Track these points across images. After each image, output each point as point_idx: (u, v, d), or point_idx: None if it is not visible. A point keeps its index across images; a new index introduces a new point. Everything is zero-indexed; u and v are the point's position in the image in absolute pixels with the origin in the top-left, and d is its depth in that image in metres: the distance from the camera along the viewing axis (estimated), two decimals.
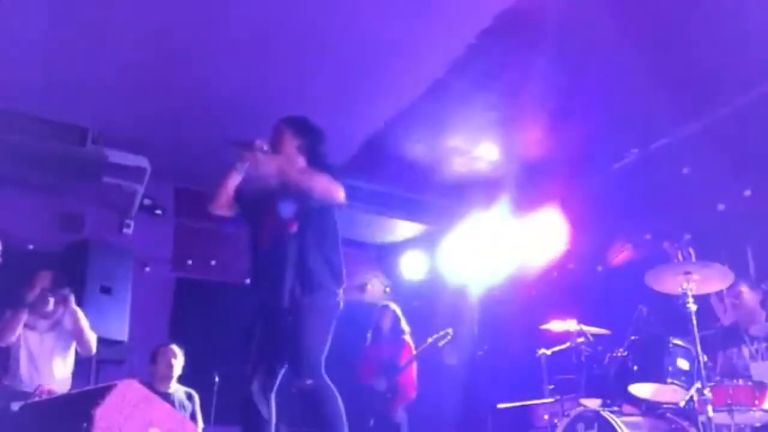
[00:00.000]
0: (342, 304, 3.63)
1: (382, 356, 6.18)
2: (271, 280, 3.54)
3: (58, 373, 4.91)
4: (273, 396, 3.59)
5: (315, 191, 3.59)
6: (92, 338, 5.07)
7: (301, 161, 3.73)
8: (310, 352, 3.44)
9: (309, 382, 3.38)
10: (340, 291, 3.64)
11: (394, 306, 6.47)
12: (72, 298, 4.98)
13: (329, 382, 3.46)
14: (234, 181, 3.72)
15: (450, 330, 6.24)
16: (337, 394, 3.46)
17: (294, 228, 3.58)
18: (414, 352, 6.18)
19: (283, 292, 3.48)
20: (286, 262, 3.51)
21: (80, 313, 5.00)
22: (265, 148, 3.65)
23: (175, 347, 5.38)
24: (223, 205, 3.76)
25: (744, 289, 4.87)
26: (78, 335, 4.99)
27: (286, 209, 3.63)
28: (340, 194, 3.63)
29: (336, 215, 3.73)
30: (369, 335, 6.38)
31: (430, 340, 6.20)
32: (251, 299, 3.72)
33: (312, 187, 3.59)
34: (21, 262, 6.32)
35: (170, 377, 5.30)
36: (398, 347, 6.22)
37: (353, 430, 3.44)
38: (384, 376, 6.09)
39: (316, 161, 3.75)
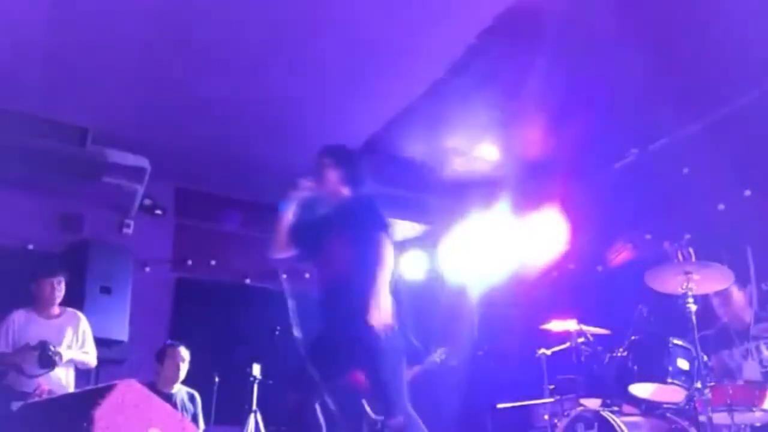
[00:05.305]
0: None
1: None
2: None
3: (60, 378, 4.90)
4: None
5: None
6: (91, 360, 5.06)
7: (344, 191, 3.89)
8: None
9: None
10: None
11: None
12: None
13: None
14: (285, 222, 3.85)
15: (442, 349, 6.47)
16: None
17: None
18: None
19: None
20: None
21: (76, 356, 4.95)
22: (309, 184, 3.84)
23: (183, 350, 5.36)
24: (282, 248, 3.89)
25: (733, 289, 4.87)
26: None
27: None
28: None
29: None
30: None
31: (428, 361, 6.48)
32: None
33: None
34: (21, 262, 6.36)
35: (176, 380, 5.32)
36: None
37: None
38: None
39: (358, 188, 3.91)
